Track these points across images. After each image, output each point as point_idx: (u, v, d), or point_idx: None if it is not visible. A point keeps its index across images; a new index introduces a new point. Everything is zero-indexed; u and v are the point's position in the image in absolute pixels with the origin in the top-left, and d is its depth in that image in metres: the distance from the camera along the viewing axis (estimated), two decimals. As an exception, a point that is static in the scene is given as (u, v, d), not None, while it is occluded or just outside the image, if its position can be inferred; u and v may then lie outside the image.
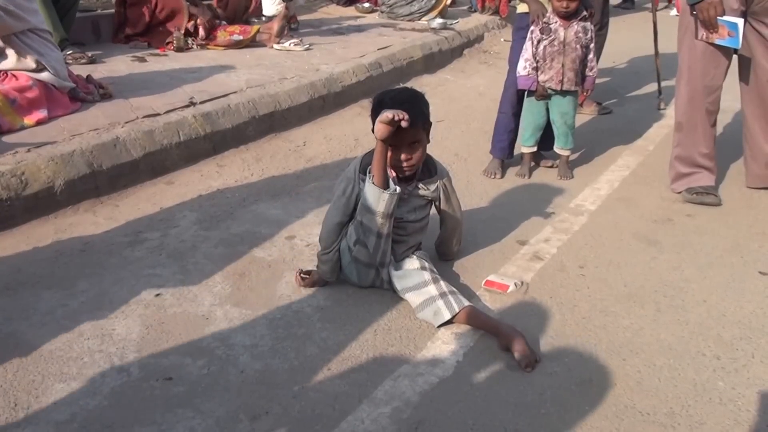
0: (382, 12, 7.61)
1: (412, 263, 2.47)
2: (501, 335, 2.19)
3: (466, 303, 2.30)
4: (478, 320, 2.27)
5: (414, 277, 2.41)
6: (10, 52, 3.50)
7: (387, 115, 2.19)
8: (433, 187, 2.54)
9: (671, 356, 2.14)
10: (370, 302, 2.43)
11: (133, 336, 2.21)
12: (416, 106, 2.35)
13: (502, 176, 3.66)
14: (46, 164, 3.05)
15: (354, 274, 2.50)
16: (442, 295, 2.31)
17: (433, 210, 2.66)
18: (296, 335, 2.23)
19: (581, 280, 2.60)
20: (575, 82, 3.45)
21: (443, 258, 2.75)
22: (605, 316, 2.36)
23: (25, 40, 3.50)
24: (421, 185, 2.51)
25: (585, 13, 3.42)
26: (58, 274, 2.58)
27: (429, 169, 2.53)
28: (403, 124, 2.20)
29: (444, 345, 2.19)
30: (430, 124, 2.45)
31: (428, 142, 2.45)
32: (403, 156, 2.36)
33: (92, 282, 2.53)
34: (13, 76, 3.49)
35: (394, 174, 2.43)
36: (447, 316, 2.27)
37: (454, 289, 2.36)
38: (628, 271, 2.67)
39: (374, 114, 2.34)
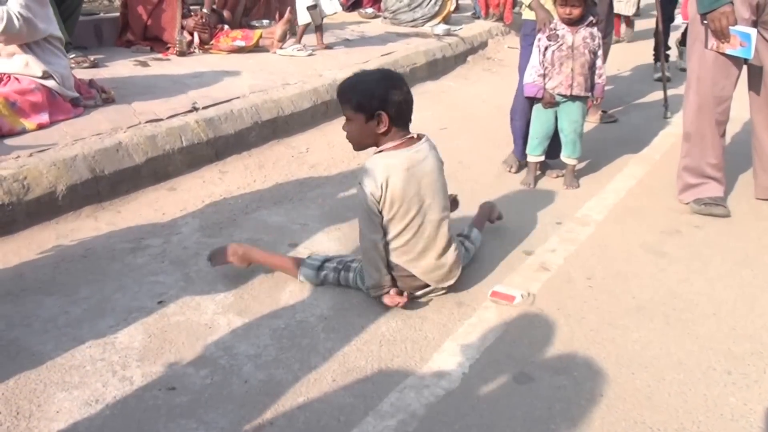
0: (385, 18, 7.61)
1: None
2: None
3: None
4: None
5: None
6: (19, 57, 3.48)
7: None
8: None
9: (681, 371, 2.11)
10: (375, 312, 2.40)
11: (135, 344, 2.19)
12: (359, 84, 2.41)
13: (518, 171, 3.73)
14: (48, 169, 3.03)
15: None
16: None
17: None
18: (300, 345, 2.21)
19: (589, 291, 2.57)
20: (584, 87, 3.43)
21: None
22: (614, 328, 2.34)
23: (35, 48, 3.51)
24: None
25: (592, 18, 3.41)
26: (60, 280, 2.56)
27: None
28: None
29: (450, 357, 2.16)
30: (378, 114, 2.32)
31: (374, 127, 2.34)
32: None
33: (94, 289, 2.50)
34: (16, 79, 3.48)
35: None
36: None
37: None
38: (636, 282, 2.64)
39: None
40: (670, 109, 4.91)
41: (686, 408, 1.95)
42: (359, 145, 2.48)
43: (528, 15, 3.71)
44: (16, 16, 3.36)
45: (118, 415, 1.88)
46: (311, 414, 1.90)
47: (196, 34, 5.46)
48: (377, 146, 2.42)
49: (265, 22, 6.12)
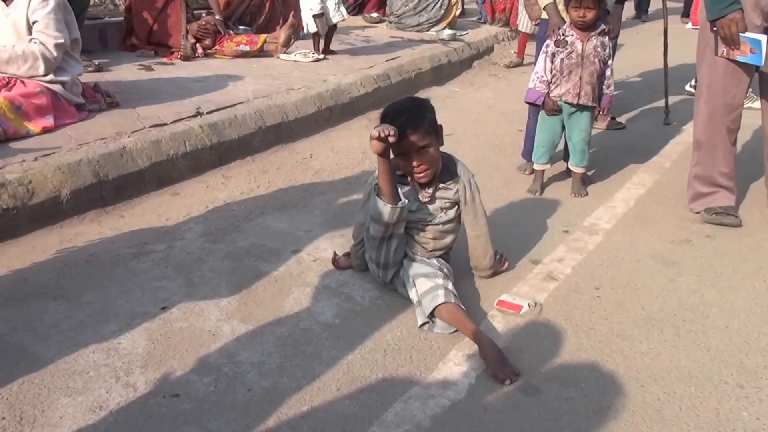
0: (390, 22, 7.57)
1: (432, 262, 2.53)
2: (479, 345, 2.18)
3: (453, 300, 2.32)
4: (456, 319, 2.28)
5: (428, 267, 2.48)
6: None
7: (373, 132, 2.25)
8: (454, 189, 2.52)
9: (692, 384, 2.08)
10: (379, 321, 2.38)
11: (139, 350, 2.17)
12: (416, 112, 2.39)
13: (532, 173, 3.72)
14: (53, 173, 3.01)
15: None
16: (445, 288, 2.35)
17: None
18: (304, 353, 2.18)
19: (597, 302, 2.54)
20: (592, 97, 3.39)
21: (476, 273, 2.70)
22: (622, 340, 2.30)
23: None
24: (441, 185, 2.51)
25: (604, 27, 3.37)
26: (64, 285, 2.54)
27: (449, 170, 2.52)
28: (391, 139, 2.22)
29: (456, 367, 2.13)
30: (439, 126, 2.46)
31: (441, 144, 2.47)
32: (414, 163, 2.40)
33: (98, 294, 2.48)
34: (22, 82, 3.47)
35: (415, 181, 2.49)
36: (439, 301, 2.29)
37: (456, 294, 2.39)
38: (645, 293, 2.61)
39: None
40: (671, 116, 4.85)
41: (697, 422, 1.92)
42: (436, 170, 2.47)
43: (546, 16, 3.75)
44: (50, 50, 3.44)
45: (122, 422, 1.87)
46: (315, 423, 1.88)
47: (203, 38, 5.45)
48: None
49: (241, 28, 5.99)
